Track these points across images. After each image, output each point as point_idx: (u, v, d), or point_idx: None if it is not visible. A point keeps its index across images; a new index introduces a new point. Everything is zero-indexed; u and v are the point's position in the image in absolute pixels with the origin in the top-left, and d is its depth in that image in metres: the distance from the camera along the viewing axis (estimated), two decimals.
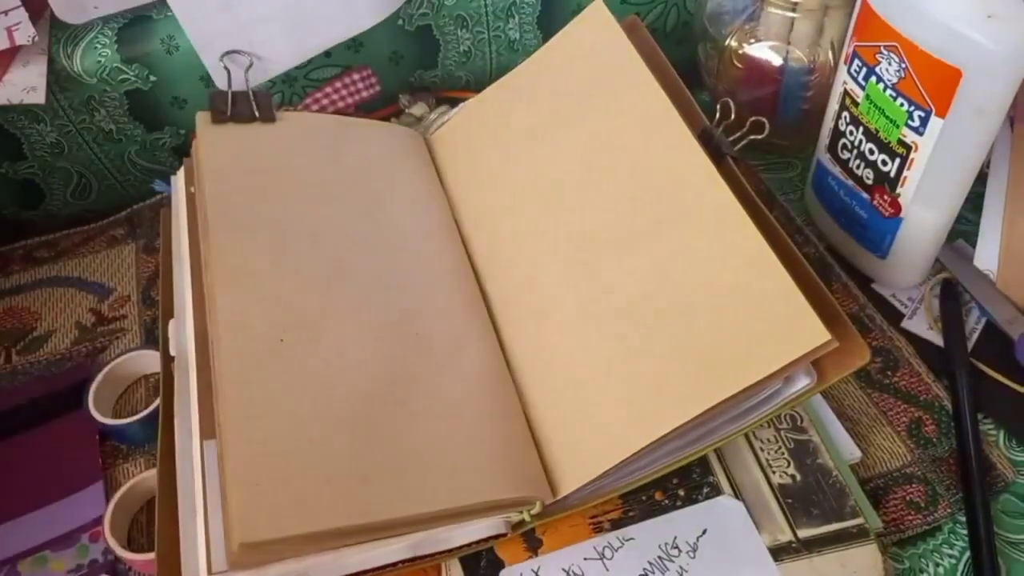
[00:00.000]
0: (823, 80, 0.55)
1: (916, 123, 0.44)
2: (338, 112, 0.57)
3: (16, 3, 0.50)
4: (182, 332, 0.43)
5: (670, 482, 0.41)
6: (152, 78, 0.55)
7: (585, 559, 0.39)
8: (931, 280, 0.53)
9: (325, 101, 0.57)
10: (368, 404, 0.38)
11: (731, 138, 0.44)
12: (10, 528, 0.43)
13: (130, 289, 0.55)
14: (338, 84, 0.57)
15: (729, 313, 0.38)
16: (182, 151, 0.59)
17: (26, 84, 0.51)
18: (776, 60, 0.56)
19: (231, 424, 0.36)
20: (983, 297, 0.51)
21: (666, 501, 0.41)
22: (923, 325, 0.51)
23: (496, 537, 0.39)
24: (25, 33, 0.50)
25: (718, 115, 0.44)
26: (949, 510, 0.43)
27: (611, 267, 0.43)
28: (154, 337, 0.51)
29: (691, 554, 0.39)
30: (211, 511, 0.35)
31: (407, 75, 0.61)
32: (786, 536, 0.40)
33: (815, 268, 0.40)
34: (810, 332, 0.35)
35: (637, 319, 0.40)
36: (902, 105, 0.44)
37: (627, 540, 0.40)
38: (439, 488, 0.37)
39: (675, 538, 0.40)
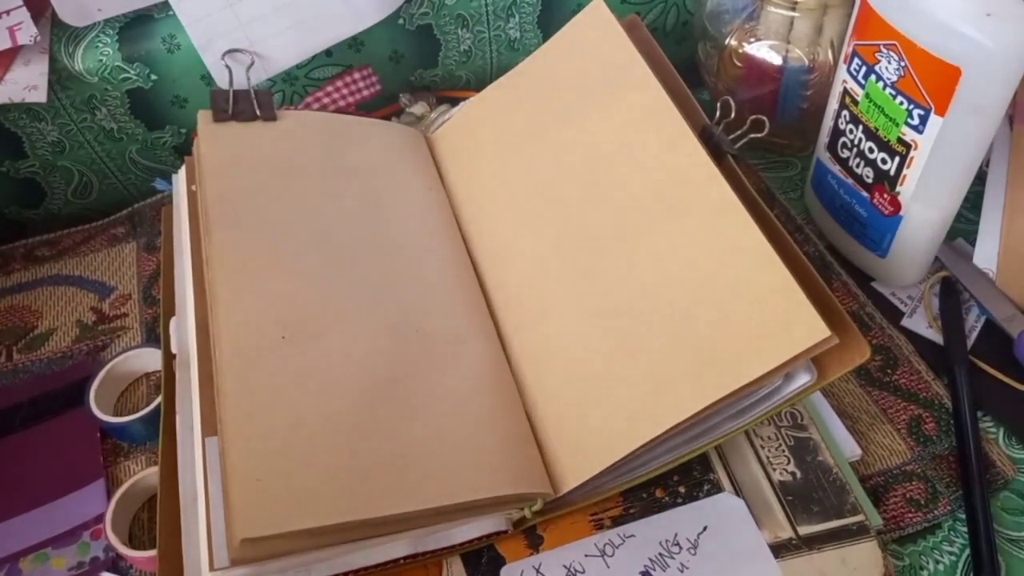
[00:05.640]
0: (823, 79, 0.55)
1: (916, 121, 0.44)
2: (339, 111, 0.57)
3: (18, 3, 0.50)
4: (183, 330, 0.43)
5: (671, 479, 0.41)
6: (153, 77, 0.55)
7: (586, 556, 0.39)
8: (931, 278, 0.53)
9: (326, 100, 0.57)
10: (369, 401, 0.39)
11: (731, 136, 0.44)
12: (11, 525, 0.43)
13: (131, 287, 0.55)
14: (339, 83, 0.57)
15: (729, 309, 0.38)
16: (183, 150, 0.60)
17: (27, 83, 0.51)
18: (776, 59, 0.56)
19: (233, 421, 0.36)
20: (982, 295, 0.51)
21: (667, 498, 0.41)
22: (923, 323, 0.51)
23: (497, 534, 0.39)
24: (27, 33, 0.50)
25: (718, 113, 0.44)
26: (949, 507, 0.43)
27: (612, 264, 0.43)
28: (155, 335, 0.51)
29: (692, 551, 0.39)
30: (213, 507, 0.35)
31: (408, 74, 0.61)
32: (787, 533, 0.40)
33: (815, 266, 0.40)
34: (810, 328, 0.35)
35: (637, 316, 0.41)
36: (902, 104, 0.44)
37: (628, 537, 0.40)
38: (441, 484, 0.37)
39: (676, 535, 0.40)
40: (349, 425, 0.37)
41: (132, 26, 0.53)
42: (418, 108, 0.59)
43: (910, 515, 0.43)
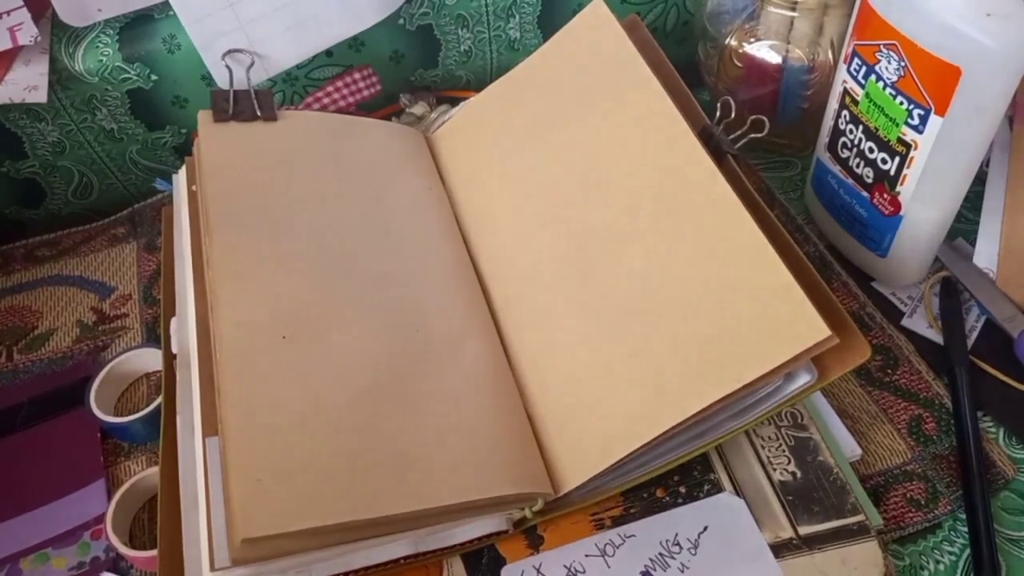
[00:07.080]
0: (823, 79, 0.55)
1: (916, 121, 0.44)
2: (339, 111, 0.57)
3: (19, 3, 0.50)
4: (184, 330, 0.43)
5: (671, 479, 0.41)
6: (153, 77, 0.55)
7: (587, 556, 0.39)
8: (931, 278, 0.53)
9: (326, 100, 0.57)
10: (370, 401, 0.39)
11: (731, 136, 0.44)
12: (12, 525, 0.43)
13: (131, 288, 0.55)
14: (339, 83, 0.57)
15: (730, 309, 0.38)
16: (183, 150, 0.60)
17: (28, 83, 0.51)
18: (776, 59, 0.56)
19: (233, 421, 0.36)
20: (983, 295, 0.51)
21: (667, 498, 0.41)
22: (923, 323, 0.51)
23: (498, 534, 0.39)
24: (28, 33, 0.50)
25: (718, 113, 0.44)
26: (949, 507, 0.43)
27: (612, 264, 0.43)
28: (155, 335, 0.51)
29: (692, 551, 0.39)
30: (213, 507, 0.35)
31: (408, 74, 0.61)
32: (787, 533, 0.40)
33: (815, 266, 0.40)
34: (810, 328, 0.35)
35: (638, 316, 0.41)
36: (902, 103, 0.44)
37: (628, 537, 0.40)
38: (441, 484, 0.37)
39: (676, 535, 0.40)
40: (350, 425, 0.37)
41: (132, 26, 0.53)
42: (418, 108, 0.59)
43: (910, 515, 0.43)
